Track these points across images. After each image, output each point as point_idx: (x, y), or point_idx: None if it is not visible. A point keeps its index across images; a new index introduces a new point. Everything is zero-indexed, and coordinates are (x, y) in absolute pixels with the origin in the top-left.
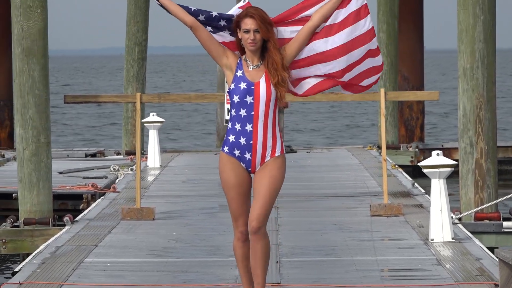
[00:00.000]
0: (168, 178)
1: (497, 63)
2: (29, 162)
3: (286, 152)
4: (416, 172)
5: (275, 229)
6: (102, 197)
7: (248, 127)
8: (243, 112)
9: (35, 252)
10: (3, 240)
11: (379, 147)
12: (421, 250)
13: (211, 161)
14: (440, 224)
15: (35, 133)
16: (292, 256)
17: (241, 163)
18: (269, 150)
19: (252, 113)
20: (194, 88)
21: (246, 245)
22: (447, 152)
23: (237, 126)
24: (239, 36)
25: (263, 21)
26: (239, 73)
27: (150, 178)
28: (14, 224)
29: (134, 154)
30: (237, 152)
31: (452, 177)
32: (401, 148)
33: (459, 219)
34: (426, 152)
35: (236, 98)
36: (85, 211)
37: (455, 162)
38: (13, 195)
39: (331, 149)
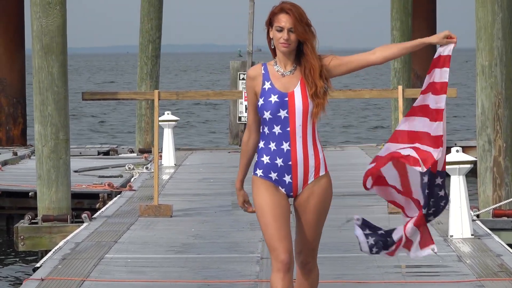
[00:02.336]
0: (184, 177)
1: None
2: (48, 159)
3: None
4: None
5: (293, 226)
6: (119, 195)
7: (285, 146)
8: (277, 129)
9: (55, 248)
10: (22, 237)
11: None
12: (441, 246)
13: (225, 159)
14: (460, 220)
15: (53, 130)
16: None
17: (279, 187)
18: (311, 170)
19: (288, 129)
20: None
21: (288, 277)
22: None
23: (272, 146)
24: (271, 35)
25: (300, 19)
26: (267, 85)
27: (166, 177)
28: (32, 221)
29: (148, 152)
30: (273, 175)
31: (466, 176)
32: None
33: (477, 216)
34: None
35: (267, 115)
36: (102, 209)
37: (474, 159)
38: (30, 194)
39: (345, 148)
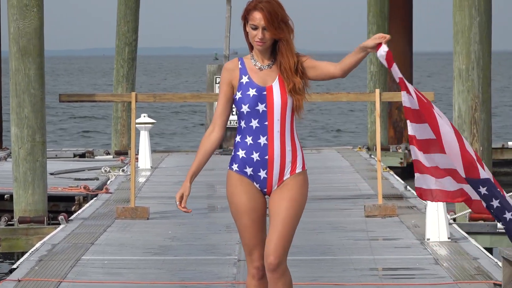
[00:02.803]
0: (160, 180)
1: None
2: (24, 161)
3: None
4: (405, 174)
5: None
6: (95, 198)
7: (262, 140)
8: (254, 123)
9: (32, 249)
10: None
11: (369, 149)
12: (418, 249)
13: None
14: (437, 223)
15: (30, 132)
16: (289, 255)
17: (254, 183)
18: (288, 166)
19: (266, 123)
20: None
21: (263, 283)
22: None
23: (248, 140)
24: (247, 29)
25: (274, 18)
26: (245, 79)
27: (142, 179)
28: (9, 223)
29: (124, 154)
30: (249, 170)
31: None
32: (391, 150)
33: (454, 219)
34: None
35: (245, 108)
36: (79, 211)
37: None
38: (5, 196)
39: (321, 150)
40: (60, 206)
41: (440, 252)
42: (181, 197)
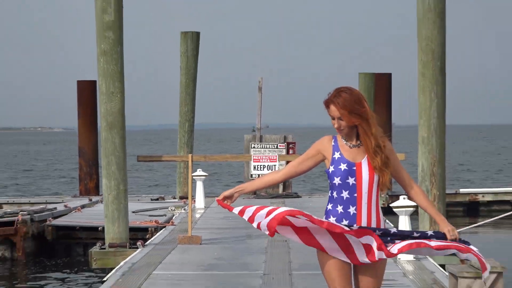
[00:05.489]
0: (211, 215)
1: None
2: (112, 203)
3: (292, 197)
4: (386, 212)
5: (287, 251)
6: (163, 229)
7: (351, 210)
8: (345, 194)
9: (118, 266)
10: (94, 258)
11: None
12: (391, 266)
13: (241, 203)
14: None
15: (116, 183)
16: (302, 269)
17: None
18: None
19: (355, 195)
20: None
21: None
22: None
23: (339, 208)
24: None
25: (345, 109)
26: (337, 155)
27: (198, 215)
28: (102, 247)
29: (186, 198)
30: None
31: (412, 215)
32: None
33: None
34: (393, 197)
35: (337, 180)
36: (152, 239)
37: (415, 204)
38: (99, 228)
39: (313, 196)
40: (138, 235)
41: (408, 268)
42: (224, 197)
